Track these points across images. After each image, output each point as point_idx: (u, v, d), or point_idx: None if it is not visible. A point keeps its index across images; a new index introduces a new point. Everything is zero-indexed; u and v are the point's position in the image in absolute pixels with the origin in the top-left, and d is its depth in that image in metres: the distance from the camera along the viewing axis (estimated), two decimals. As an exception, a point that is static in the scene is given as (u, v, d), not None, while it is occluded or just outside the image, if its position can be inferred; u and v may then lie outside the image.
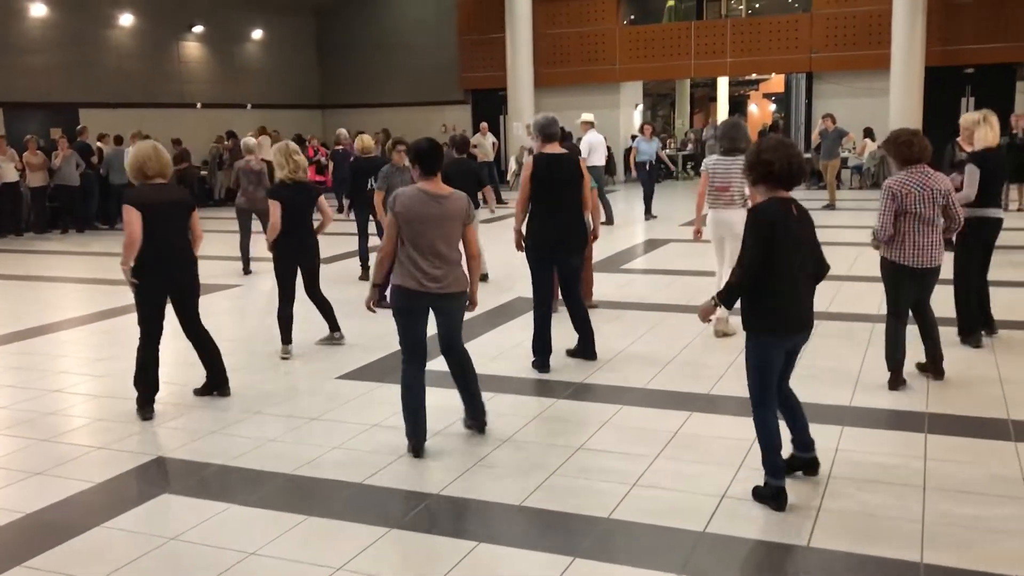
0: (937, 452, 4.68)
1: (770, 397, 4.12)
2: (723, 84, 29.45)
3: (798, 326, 4.10)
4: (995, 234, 6.76)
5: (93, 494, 4.50)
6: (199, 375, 6.03)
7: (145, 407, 5.62)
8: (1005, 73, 19.74)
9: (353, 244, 10.60)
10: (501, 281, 9.65)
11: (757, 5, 25.39)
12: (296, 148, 6.93)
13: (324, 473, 4.64)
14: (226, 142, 20.21)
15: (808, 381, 5.57)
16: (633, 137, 20.38)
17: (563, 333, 6.73)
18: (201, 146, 21.01)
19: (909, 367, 5.84)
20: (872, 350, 6.55)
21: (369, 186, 9.60)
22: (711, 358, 6.56)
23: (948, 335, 6.24)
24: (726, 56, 22.21)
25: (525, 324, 7.33)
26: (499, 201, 13.94)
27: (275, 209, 6.67)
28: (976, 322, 6.71)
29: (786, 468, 4.20)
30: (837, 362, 6.34)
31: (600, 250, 8.80)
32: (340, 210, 10.53)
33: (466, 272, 4.97)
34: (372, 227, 10.04)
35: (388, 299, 4.93)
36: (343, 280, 10.01)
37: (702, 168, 7.30)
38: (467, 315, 5.12)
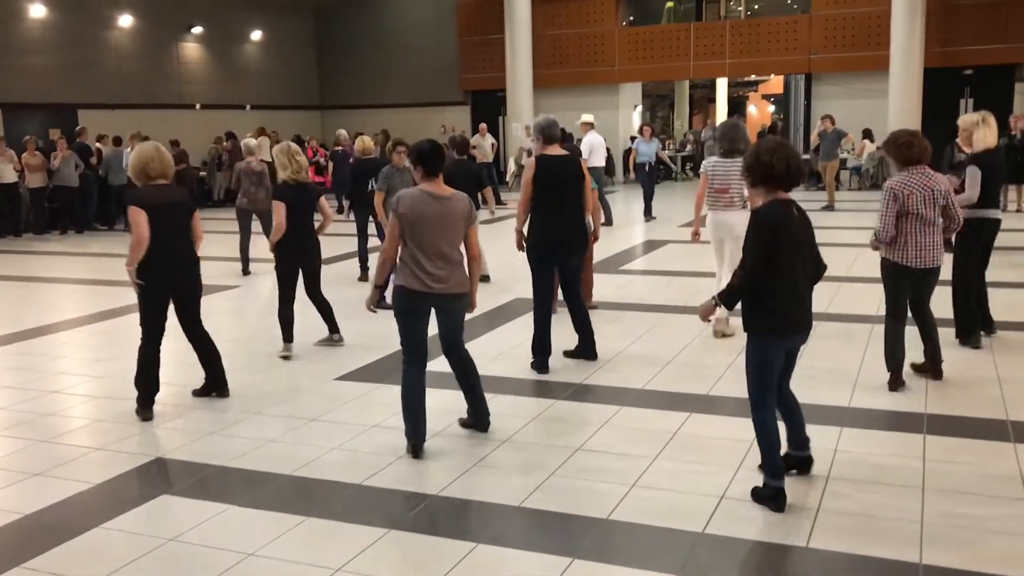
0: (936, 453, 4.69)
1: (769, 398, 4.13)
2: (722, 85, 29.48)
3: (798, 326, 4.12)
4: (994, 235, 6.78)
5: (92, 495, 4.50)
6: (198, 376, 6.03)
7: (146, 407, 5.62)
8: (1004, 74, 19.77)
9: (352, 245, 10.60)
10: (501, 282, 9.65)
11: (756, 6, 25.41)
12: (297, 149, 6.94)
13: (323, 474, 4.64)
14: (225, 143, 20.21)
15: (807, 382, 5.58)
16: (632, 138, 20.39)
17: (562, 334, 6.73)
18: (200, 147, 21.02)
19: (907, 368, 5.84)
20: (871, 351, 6.55)
21: (370, 187, 9.61)
22: (710, 359, 6.56)
23: (946, 336, 6.24)
24: (725, 57, 22.23)
25: (524, 325, 7.33)
26: (498, 202, 13.95)
27: (279, 210, 6.68)
28: (975, 323, 6.72)
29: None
30: (836, 363, 6.34)
31: (599, 251, 8.80)
32: (340, 211, 10.53)
33: (467, 273, 4.98)
34: (372, 228, 10.04)
35: (387, 300, 4.94)
36: (343, 281, 10.01)
37: (701, 170, 7.31)
38: (467, 316, 5.12)
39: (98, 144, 17.37)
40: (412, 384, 4.85)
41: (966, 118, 6.70)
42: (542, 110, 18.22)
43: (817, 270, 4.21)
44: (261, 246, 11.01)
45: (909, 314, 5.81)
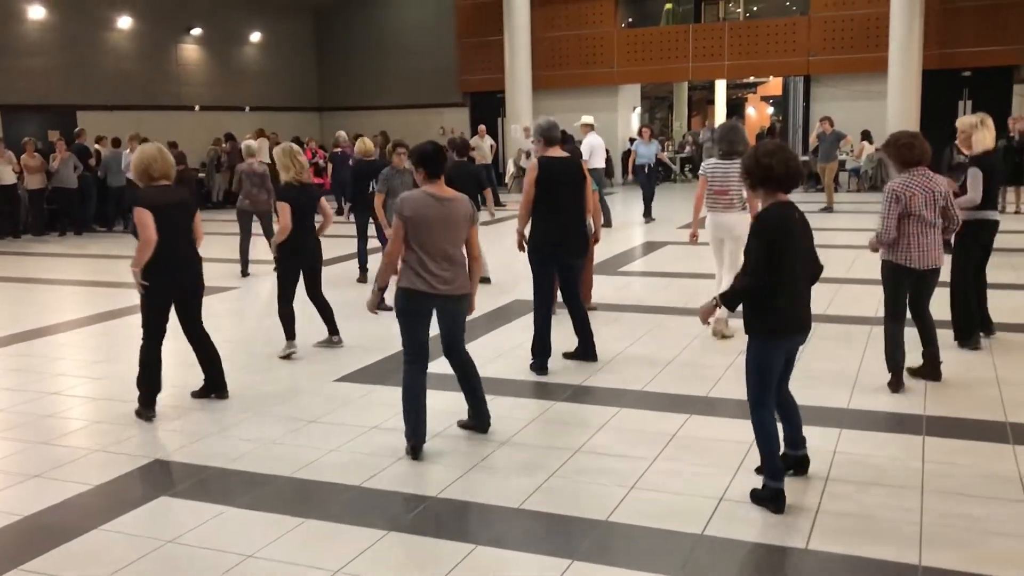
0: (935, 454, 4.69)
1: (769, 399, 4.13)
2: (721, 87, 29.51)
3: (798, 327, 4.14)
4: (993, 236, 6.80)
5: (91, 496, 4.49)
6: (198, 377, 6.03)
7: (148, 407, 5.62)
8: (1002, 76, 19.79)
9: (352, 247, 10.60)
10: (500, 284, 9.65)
11: (755, 8, 25.42)
12: (299, 149, 6.99)
13: (323, 475, 4.64)
14: (224, 144, 20.21)
15: (806, 383, 5.58)
16: (631, 140, 20.39)
17: (562, 336, 6.73)
18: (199, 148, 21.02)
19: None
20: (870, 352, 6.56)
21: (371, 189, 9.62)
22: (710, 360, 6.56)
23: (944, 338, 6.25)
24: (724, 59, 22.25)
25: (524, 326, 7.34)
26: (496, 203, 13.96)
27: (285, 211, 6.69)
28: (974, 324, 6.72)
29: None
30: (835, 364, 6.35)
31: (598, 253, 8.80)
32: (339, 212, 10.54)
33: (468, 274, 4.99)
34: (371, 230, 10.04)
35: (386, 302, 4.93)
36: (342, 282, 10.01)
37: (700, 172, 7.31)
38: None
39: (97, 146, 17.37)
40: (413, 385, 4.85)
41: (965, 120, 6.71)
42: (541, 112, 18.24)
43: (815, 271, 4.23)
44: (260, 248, 11.03)
45: (908, 316, 5.82)
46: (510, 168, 22.06)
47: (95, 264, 12.95)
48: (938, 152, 8.77)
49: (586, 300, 7.93)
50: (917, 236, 5.53)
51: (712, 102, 30.60)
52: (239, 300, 9.77)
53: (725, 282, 6.86)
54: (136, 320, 5.68)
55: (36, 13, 19.10)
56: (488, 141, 19.39)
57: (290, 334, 6.98)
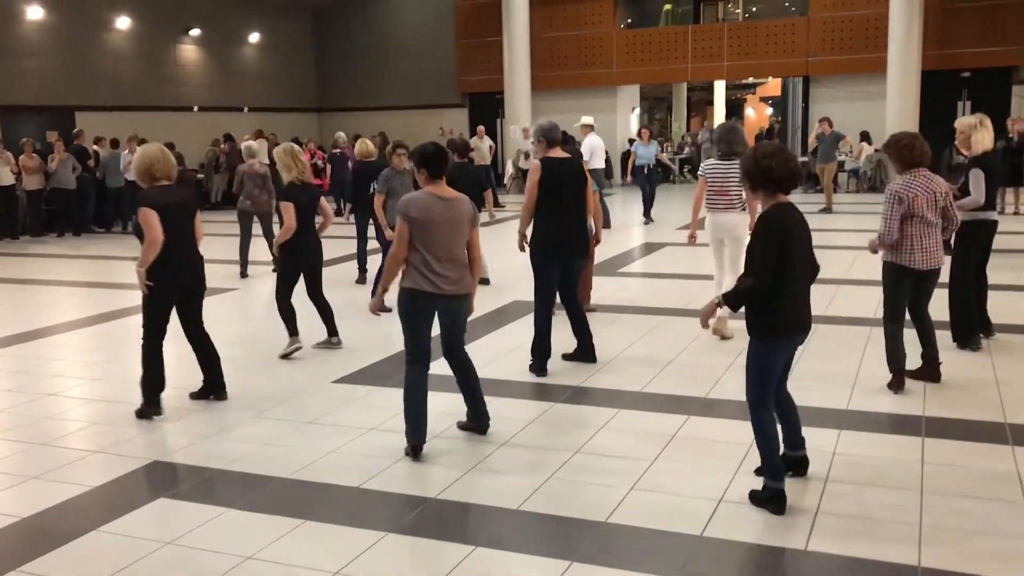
0: (935, 455, 4.69)
1: (769, 399, 4.14)
2: (720, 88, 29.52)
3: (799, 327, 4.15)
4: (992, 237, 6.81)
5: (90, 498, 4.49)
6: (197, 378, 6.02)
7: (151, 405, 5.61)
8: (1001, 77, 19.80)
9: (351, 247, 10.59)
10: (500, 284, 9.65)
11: (754, 8, 25.43)
12: (299, 150, 7.02)
13: (322, 476, 4.63)
14: (223, 145, 20.20)
15: (806, 384, 5.59)
16: (631, 141, 20.39)
17: (562, 337, 6.73)
18: (198, 149, 21.01)
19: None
20: (869, 353, 6.56)
21: (371, 190, 9.62)
22: (709, 361, 6.56)
23: (943, 339, 6.25)
24: (723, 60, 22.25)
25: (523, 327, 7.33)
26: (496, 204, 13.95)
27: (289, 210, 6.71)
28: (974, 325, 6.73)
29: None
30: (835, 365, 6.35)
31: (598, 254, 8.80)
32: (338, 213, 10.53)
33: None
34: (371, 231, 10.03)
35: (386, 303, 4.93)
36: (342, 283, 10.00)
37: (699, 172, 7.31)
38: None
39: (95, 146, 17.36)
40: (415, 386, 4.85)
41: (964, 121, 6.72)
42: (540, 113, 18.26)
43: (813, 271, 4.24)
44: (260, 249, 11.03)
45: (907, 316, 5.82)
46: (509, 169, 22.06)
47: (93, 265, 12.94)
48: (937, 153, 8.77)
49: (585, 301, 7.94)
50: (920, 237, 5.53)
51: (711, 103, 30.62)
52: (238, 301, 9.76)
53: (726, 283, 6.85)
54: (135, 321, 5.67)
55: (35, 14, 19.09)
56: (487, 142, 19.39)
57: (292, 330, 6.97)
